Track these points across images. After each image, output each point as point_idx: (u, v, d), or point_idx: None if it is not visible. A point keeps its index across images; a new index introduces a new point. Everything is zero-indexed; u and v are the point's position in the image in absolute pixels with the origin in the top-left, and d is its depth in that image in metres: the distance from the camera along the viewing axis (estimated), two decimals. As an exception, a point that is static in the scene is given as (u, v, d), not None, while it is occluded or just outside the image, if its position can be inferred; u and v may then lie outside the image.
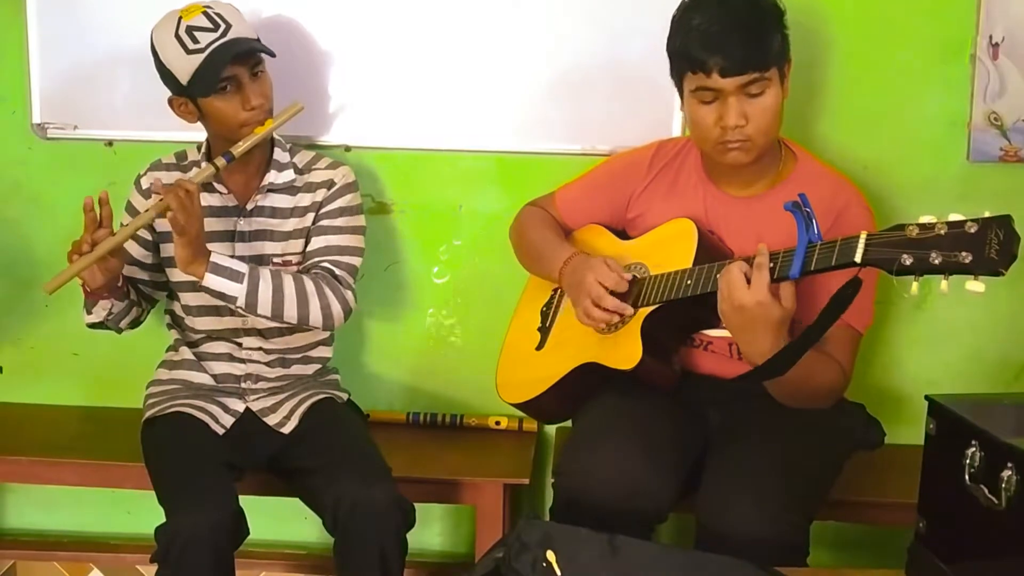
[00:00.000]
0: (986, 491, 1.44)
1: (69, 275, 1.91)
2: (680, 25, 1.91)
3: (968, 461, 1.48)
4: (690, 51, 1.86)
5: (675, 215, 2.00)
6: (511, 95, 2.37)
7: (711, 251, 1.92)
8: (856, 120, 2.33)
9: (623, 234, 2.11)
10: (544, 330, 2.15)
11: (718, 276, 1.75)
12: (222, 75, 2.00)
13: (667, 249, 1.95)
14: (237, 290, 2.00)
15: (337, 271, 2.12)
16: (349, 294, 2.12)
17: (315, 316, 2.07)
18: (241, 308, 2.02)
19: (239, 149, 2.03)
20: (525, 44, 2.34)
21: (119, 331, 2.19)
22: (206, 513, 1.88)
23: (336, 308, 2.08)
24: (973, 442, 1.48)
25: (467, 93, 2.37)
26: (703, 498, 1.86)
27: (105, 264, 1.94)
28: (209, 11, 2.02)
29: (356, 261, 2.17)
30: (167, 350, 2.29)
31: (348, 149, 2.41)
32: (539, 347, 2.14)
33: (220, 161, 2.03)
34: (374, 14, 2.36)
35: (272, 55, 2.07)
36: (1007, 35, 2.26)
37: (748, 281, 1.69)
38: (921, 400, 1.64)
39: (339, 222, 2.16)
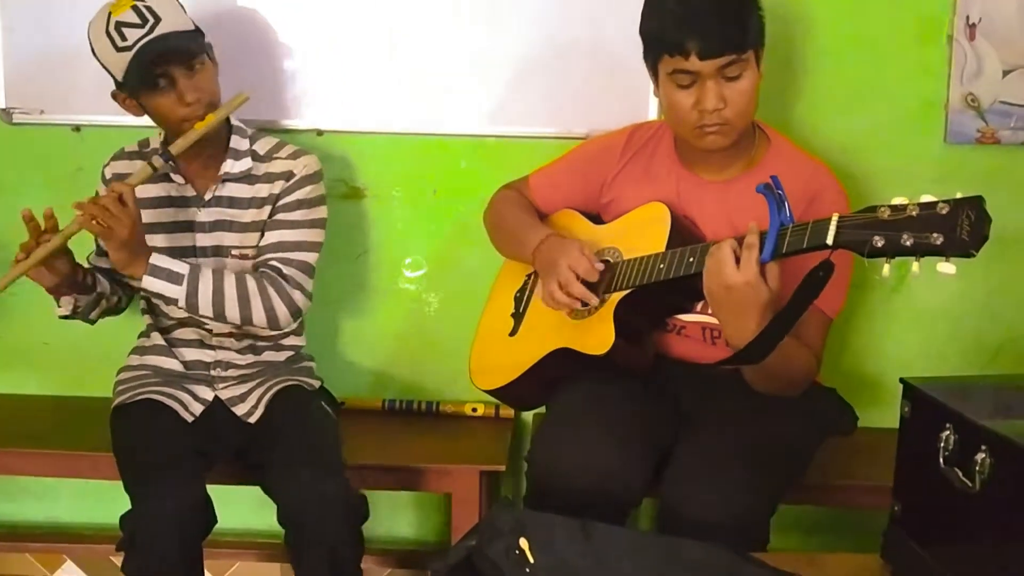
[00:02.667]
0: (960, 474, 1.43)
1: (10, 278, 1.92)
2: (654, 7, 1.88)
3: (943, 444, 1.47)
4: (666, 33, 1.83)
5: (648, 199, 1.98)
6: (486, 78, 2.34)
7: (684, 235, 1.90)
8: (833, 102, 2.32)
9: (597, 218, 2.09)
10: (518, 316, 2.13)
11: (707, 254, 1.70)
12: (154, 72, 1.95)
13: (640, 233, 1.93)
14: (176, 291, 1.98)
15: (285, 269, 2.07)
16: (297, 294, 2.07)
17: (259, 317, 2.04)
18: (183, 309, 2.00)
19: (177, 147, 1.98)
20: (500, 26, 2.32)
21: (91, 322, 2.16)
22: (172, 501, 1.86)
23: (281, 309, 2.05)
24: (947, 425, 1.47)
25: (441, 76, 2.35)
26: (667, 481, 1.85)
27: (51, 266, 1.95)
28: (138, 4, 1.94)
29: (311, 257, 2.12)
30: (139, 336, 2.26)
31: (320, 133, 2.38)
32: (512, 333, 2.12)
33: (158, 161, 1.98)
34: (345, -4, 2.33)
35: (204, 52, 2.00)
36: (984, 16, 2.25)
37: (737, 261, 1.65)
38: (897, 383, 1.63)
39: (296, 215, 2.11)
